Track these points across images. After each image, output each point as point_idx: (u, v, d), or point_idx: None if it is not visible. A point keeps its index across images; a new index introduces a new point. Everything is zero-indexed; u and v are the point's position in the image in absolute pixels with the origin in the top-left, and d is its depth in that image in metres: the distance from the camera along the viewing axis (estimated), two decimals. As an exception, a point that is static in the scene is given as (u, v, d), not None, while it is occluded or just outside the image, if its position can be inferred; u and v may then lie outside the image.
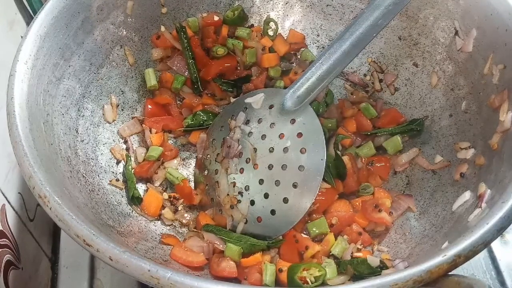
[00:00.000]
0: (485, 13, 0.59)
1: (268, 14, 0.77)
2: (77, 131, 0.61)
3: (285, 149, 0.61)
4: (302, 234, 0.61)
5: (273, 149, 0.61)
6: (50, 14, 0.58)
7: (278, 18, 0.77)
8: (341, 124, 0.70)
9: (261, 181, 0.61)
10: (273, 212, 0.60)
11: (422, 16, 0.66)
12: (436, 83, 0.67)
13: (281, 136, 0.61)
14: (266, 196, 0.60)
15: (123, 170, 0.65)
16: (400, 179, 0.67)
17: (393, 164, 0.67)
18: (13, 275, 0.59)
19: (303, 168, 0.60)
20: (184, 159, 0.70)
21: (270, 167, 0.61)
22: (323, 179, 0.61)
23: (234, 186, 0.62)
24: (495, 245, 0.70)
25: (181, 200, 0.65)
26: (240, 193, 0.61)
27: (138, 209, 0.63)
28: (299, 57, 0.76)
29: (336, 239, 0.60)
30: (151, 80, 0.70)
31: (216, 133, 0.66)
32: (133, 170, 0.65)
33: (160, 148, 0.68)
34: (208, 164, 0.66)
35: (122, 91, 0.69)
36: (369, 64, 0.74)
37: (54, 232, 0.73)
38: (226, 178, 0.62)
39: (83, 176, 0.58)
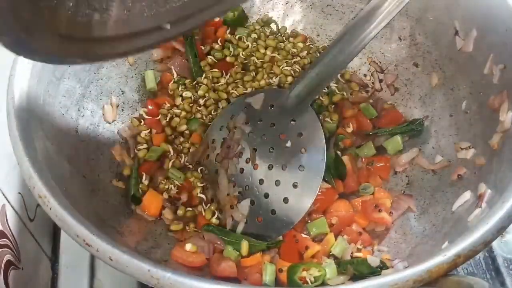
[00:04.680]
0: (485, 13, 0.59)
1: (268, 14, 0.77)
2: (77, 131, 0.61)
3: (285, 149, 0.61)
4: (302, 234, 0.61)
5: (273, 149, 0.61)
6: (50, 14, 0.58)
7: (278, 18, 0.77)
8: (341, 124, 0.70)
9: (261, 181, 0.61)
10: (273, 212, 0.60)
11: (422, 16, 0.66)
12: (436, 83, 0.67)
13: (281, 136, 0.62)
14: (266, 196, 0.60)
15: (123, 171, 0.65)
16: (400, 179, 0.66)
17: (393, 164, 0.67)
18: (13, 275, 0.59)
19: (303, 168, 0.60)
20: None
21: (270, 167, 0.61)
22: (323, 179, 0.61)
23: (234, 186, 0.62)
24: (495, 245, 0.70)
25: (182, 200, 0.65)
26: (240, 193, 0.61)
27: (139, 209, 0.63)
28: (299, 57, 0.76)
29: (336, 239, 0.60)
30: (150, 82, 0.71)
31: (216, 133, 0.66)
32: (133, 170, 0.65)
33: (161, 148, 0.68)
34: (208, 164, 0.66)
35: (122, 91, 0.69)
36: (369, 64, 0.74)
37: (54, 232, 0.73)
38: (226, 178, 0.62)
39: (83, 176, 0.58)
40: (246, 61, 0.73)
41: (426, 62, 0.68)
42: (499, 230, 0.44)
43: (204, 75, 0.72)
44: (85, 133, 0.62)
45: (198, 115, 0.70)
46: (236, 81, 0.71)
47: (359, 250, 0.59)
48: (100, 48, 0.39)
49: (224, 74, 0.72)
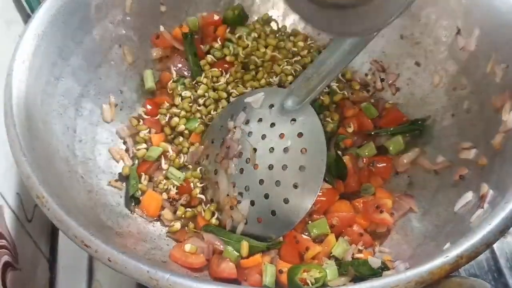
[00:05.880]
0: (488, 12, 0.58)
1: (268, 13, 0.76)
2: (75, 131, 0.60)
3: (286, 149, 0.60)
4: (303, 235, 0.60)
5: (273, 149, 0.61)
6: (47, 13, 0.58)
7: (278, 17, 0.76)
8: (342, 124, 0.70)
9: (261, 182, 0.60)
10: (273, 212, 0.60)
11: (424, 14, 0.66)
12: (438, 82, 0.66)
13: (281, 136, 0.61)
14: (266, 196, 0.60)
15: (122, 171, 0.65)
16: (401, 179, 0.66)
17: (395, 165, 0.67)
18: (11, 276, 0.59)
19: (304, 169, 0.59)
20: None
21: (271, 167, 0.60)
22: (324, 180, 0.60)
23: (234, 187, 0.61)
24: (498, 246, 0.69)
25: (181, 201, 0.65)
26: (240, 193, 0.61)
27: (138, 209, 0.62)
28: (300, 56, 0.76)
29: (337, 240, 0.60)
30: (148, 82, 0.70)
31: (216, 133, 0.66)
32: (132, 171, 0.65)
33: (160, 148, 0.67)
34: (207, 164, 0.65)
35: (120, 90, 0.68)
36: (370, 63, 0.73)
37: (52, 232, 0.72)
38: (226, 179, 0.62)
39: (82, 176, 0.58)
40: (246, 60, 0.72)
41: (428, 61, 0.68)
42: (502, 231, 0.44)
43: (203, 74, 0.71)
44: (83, 133, 0.62)
45: (198, 115, 0.69)
46: (236, 80, 0.71)
47: (360, 251, 0.59)
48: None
49: (224, 73, 0.72)
